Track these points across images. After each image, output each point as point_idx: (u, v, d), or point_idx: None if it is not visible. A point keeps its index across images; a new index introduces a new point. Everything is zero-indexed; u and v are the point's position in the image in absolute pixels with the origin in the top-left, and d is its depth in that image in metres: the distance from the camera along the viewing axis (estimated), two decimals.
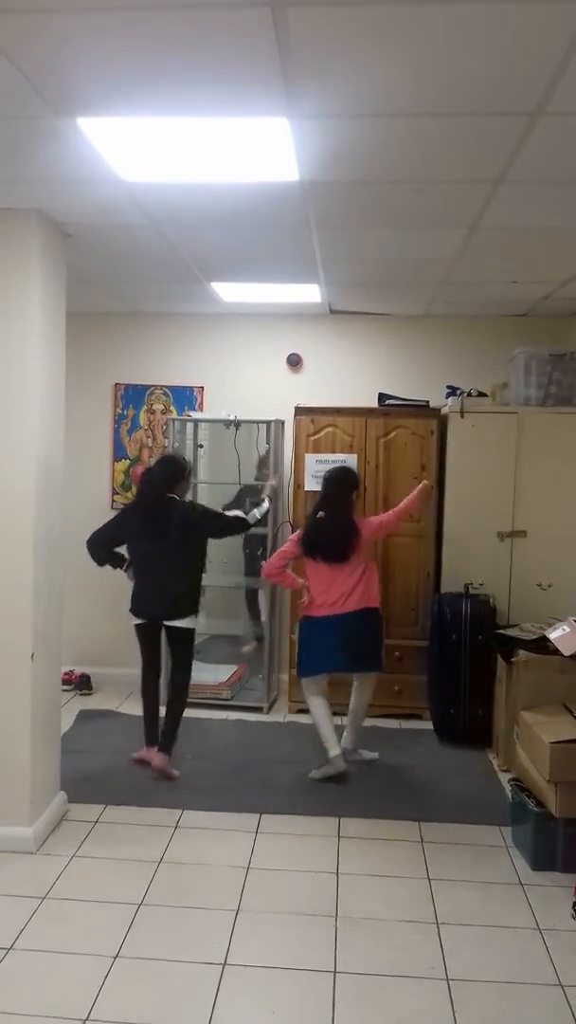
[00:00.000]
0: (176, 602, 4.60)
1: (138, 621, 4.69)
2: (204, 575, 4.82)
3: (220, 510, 4.89)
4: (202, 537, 4.68)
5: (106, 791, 4.36)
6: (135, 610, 4.69)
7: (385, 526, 4.72)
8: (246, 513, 4.81)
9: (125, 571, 4.73)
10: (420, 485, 4.88)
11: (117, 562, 4.72)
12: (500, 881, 3.61)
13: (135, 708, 5.74)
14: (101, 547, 4.67)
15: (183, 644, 4.71)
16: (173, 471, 4.63)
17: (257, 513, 4.88)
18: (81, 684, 6.10)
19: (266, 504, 5.10)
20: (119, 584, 6.25)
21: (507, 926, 3.26)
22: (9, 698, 3.70)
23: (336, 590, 4.55)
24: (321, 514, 4.67)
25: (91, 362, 6.18)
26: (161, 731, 4.64)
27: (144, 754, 4.61)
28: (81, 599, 6.09)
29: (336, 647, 4.58)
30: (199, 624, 4.98)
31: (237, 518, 4.75)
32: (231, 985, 2.87)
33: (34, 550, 3.67)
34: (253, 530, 5.85)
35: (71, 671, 6.01)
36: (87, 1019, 2.67)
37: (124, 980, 2.88)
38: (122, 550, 4.72)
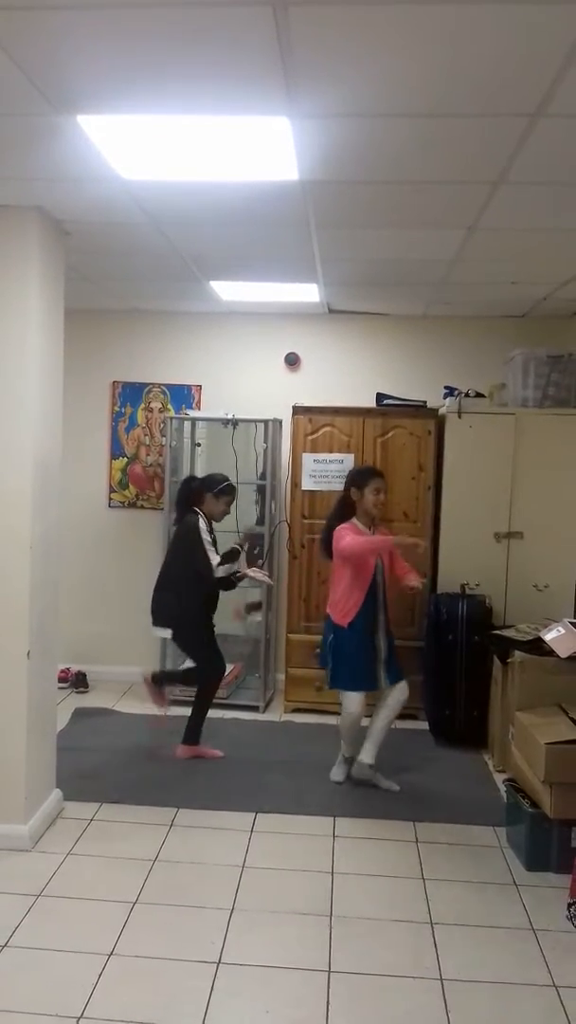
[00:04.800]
0: (155, 607, 4.83)
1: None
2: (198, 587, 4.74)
3: (213, 551, 4.69)
4: (187, 558, 4.69)
5: (101, 789, 4.36)
6: None
7: (350, 555, 4.31)
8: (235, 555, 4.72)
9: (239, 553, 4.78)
10: (411, 542, 4.45)
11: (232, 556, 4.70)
12: (494, 881, 3.61)
13: (131, 706, 5.76)
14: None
15: (184, 650, 4.96)
16: (193, 485, 4.85)
17: (227, 570, 4.64)
18: (77, 682, 6.10)
19: (235, 566, 4.71)
20: (116, 583, 6.28)
21: (501, 926, 3.27)
22: (5, 695, 3.70)
23: None
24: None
25: (89, 360, 6.17)
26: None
27: (180, 751, 4.82)
28: (77, 597, 6.10)
29: None
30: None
31: (207, 569, 4.58)
32: (225, 984, 2.87)
33: (31, 548, 3.67)
34: (252, 529, 5.87)
35: (67, 669, 6.01)
36: (81, 1017, 2.67)
37: (119, 978, 2.88)
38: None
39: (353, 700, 4.45)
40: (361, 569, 4.40)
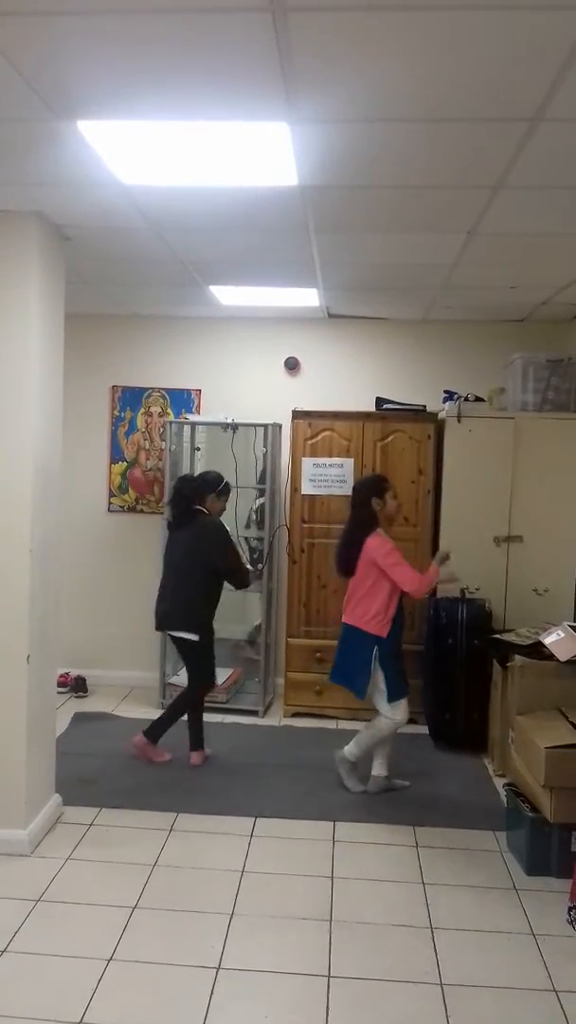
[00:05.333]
0: (174, 611, 4.72)
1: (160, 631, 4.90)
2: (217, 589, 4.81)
3: (237, 554, 4.90)
4: (209, 559, 4.69)
5: (101, 794, 4.36)
6: (155, 618, 4.87)
7: (388, 570, 4.30)
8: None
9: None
10: (441, 557, 4.56)
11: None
12: (495, 886, 3.61)
13: (130, 711, 5.75)
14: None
15: (189, 655, 4.80)
16: (197, 485, 4.80)
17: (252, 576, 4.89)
18: (77, 686, 6.09)
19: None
20: (116, 587, 6.28)
21: (501, 931, 3.26)
22: (4, 700, 3.69)
23: (345, 599, 4.53)
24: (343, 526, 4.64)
25: (89, 364, 6.18)
26: (153, 721, 4.80)
27: (194, 759, 4.76)
28: (77, 601, 6.10)
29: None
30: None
31: (243, 571, 4.81)
32: (225, 989, 2.86)
33: (31, 552, 3.67)
34: (251, 533, 5.87)
35: (67, 673, 6.00)
36: (81, 1022, 2.67)
37: (118, 983, 2.87)
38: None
39: (403, 707, 4.44)
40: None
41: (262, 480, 5.85)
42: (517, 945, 3.17)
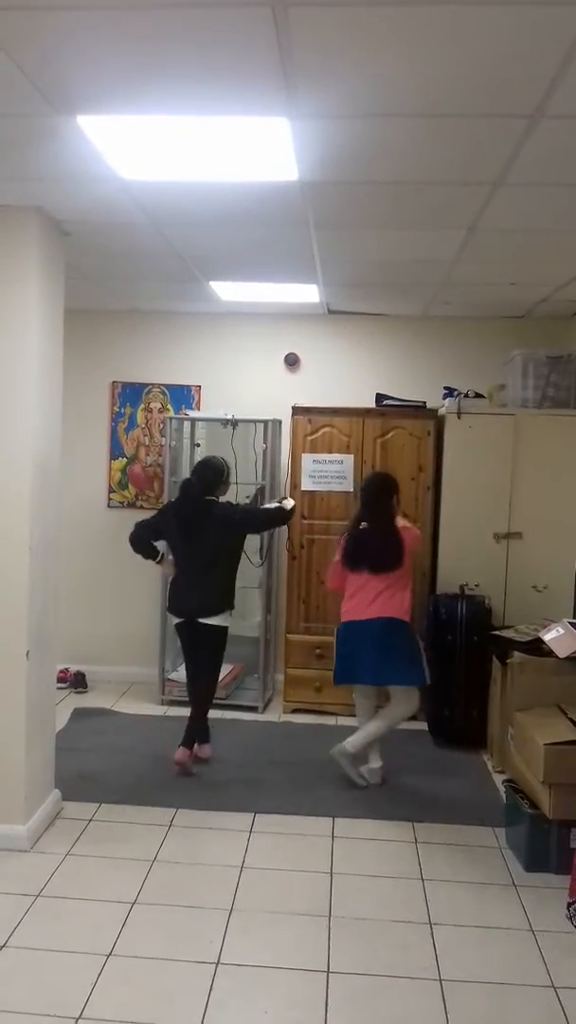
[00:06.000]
0: (210, 599, 4.64)
1: (177, 620, 4.79)
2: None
3: (258, 506, 5.06)
4: (242, 536, 4.78)
5: (100, 789, 4.36)
6: (172, 609, 4.83)
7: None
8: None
9: (158, 563, 4.88)
10: None
11: (151, 553, 4.82)
12: (493, 882, 3.61)
13: (130, 706, 5.76)
14: (145, 536, 4.78)
15: (215, 644, 4.70)
16: (211, 475, 4.75)
17: (287, 504, 5.01)
18: (76, 682, 6.10)
19: (290, 501, 5.14)
20: (115, 583, 6.28)
21: (500, 927, 3.27)
22: (4, 696, 3.70)
23: (362, 596, 4.47)
24: (364, 524, 4.56)
25: (88, 360, 6.17)
26: (188, 729, 4.68)
27: (180, 755, 4.60)
28: (77, 597, 6.10)
29: (359, 656, 4.46)
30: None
31: (279, 509, 4.91)
32: (224, 984, 2.87)
33: (30, 548, 3.67)
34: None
35: (66, 669, 6.00)
36: (80, 1017, 2.67)
37: (117, 978, 2.88)
38: (159, 545, 4.84)
39: (419, 694, 4.59)
40: None
41: (262, 477, 5.84)
42: (516, 941, 3.18)
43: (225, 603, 4.68)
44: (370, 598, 4.45)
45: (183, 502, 4.76)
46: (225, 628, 4.70)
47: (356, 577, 4.50)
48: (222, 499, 4.76)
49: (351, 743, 4.49)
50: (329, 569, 4.77)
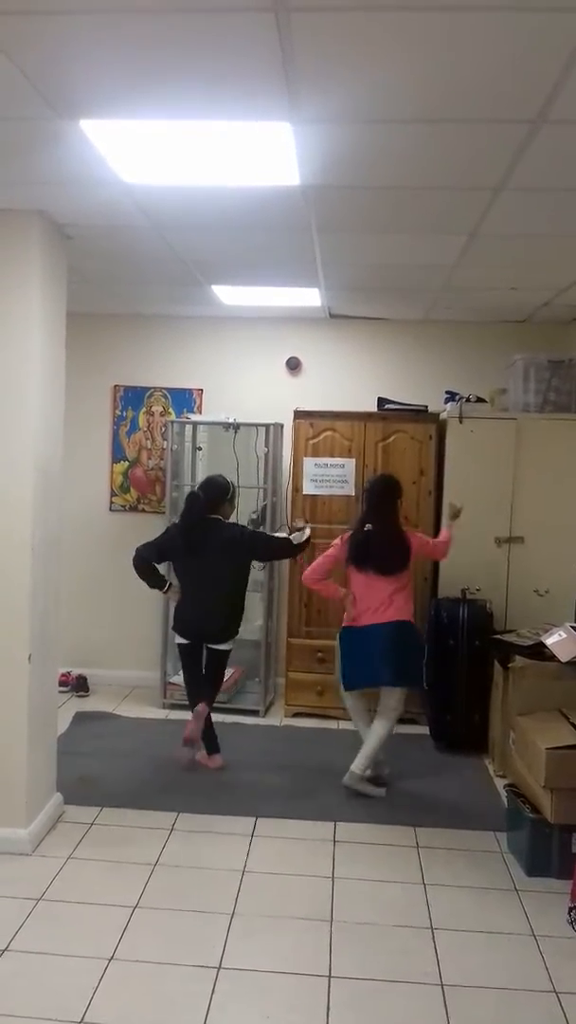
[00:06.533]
0: (219, 624, 4.63)
1: (182, 641, 4.73)
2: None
3: (269, 533, 4.97)
4: (248, 560, 4.73)
5: (102, 793, 4.36)
6: (179, 629, 4.76)
7: (428, 551, 4.67)
8: (289, 535, 4.77)
9: (165, 592, 4.86)
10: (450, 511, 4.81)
11: (157, 582, 4.76)
12: (495, 887, 3.61)
13: (132, 710, 5.76)
14: (148, 557, 4.71)
15: (217, 665, 4.73)
16: (216, 493, 4.70)
17: (300, 537, 4.72)
18: (78, 686, 6.10)
19: (307, 531, 4.77)
20: (117, 586, 6.28)
21: (502, 932, 3.26)
22: (6, 699, 3.70)
23: (370, 599, 4.43)
24: (369, 526, 4.51)
25: (90, 363, 6.18)
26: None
27: (216, 760, 4.73)
28: (79, 601, 6.10)
29: (371, 659, 4.40)
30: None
31: (286, 541, 4.72)
32: (225, 988, 2.86)
33: (32, 551, 3.67)
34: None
35: (68, 673, 6.01)
36: (82, 1021, 2.67)
37: (119, 983, 2.88)
38: (162, 569, 4.82)
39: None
40: None
41: (264, 480, 5.84)
42: (517, 946, 3.17)
43: (232, 629, 4.67)
44: (384, 601, 4.42)
45: (187, 517, 4.70)
46: (228, 651, 4.71)
47: (361, 578, 4.48)
48: (232, 519, 4.77)
49: (358, 766, 4.42)
50: (315, 562, 4.57)
